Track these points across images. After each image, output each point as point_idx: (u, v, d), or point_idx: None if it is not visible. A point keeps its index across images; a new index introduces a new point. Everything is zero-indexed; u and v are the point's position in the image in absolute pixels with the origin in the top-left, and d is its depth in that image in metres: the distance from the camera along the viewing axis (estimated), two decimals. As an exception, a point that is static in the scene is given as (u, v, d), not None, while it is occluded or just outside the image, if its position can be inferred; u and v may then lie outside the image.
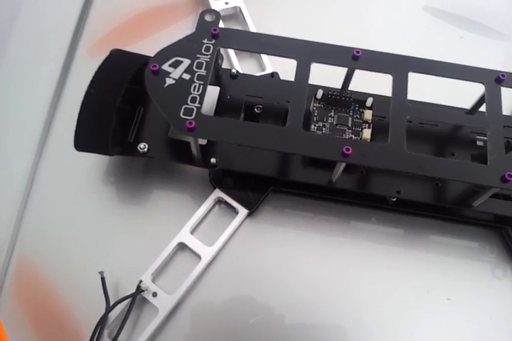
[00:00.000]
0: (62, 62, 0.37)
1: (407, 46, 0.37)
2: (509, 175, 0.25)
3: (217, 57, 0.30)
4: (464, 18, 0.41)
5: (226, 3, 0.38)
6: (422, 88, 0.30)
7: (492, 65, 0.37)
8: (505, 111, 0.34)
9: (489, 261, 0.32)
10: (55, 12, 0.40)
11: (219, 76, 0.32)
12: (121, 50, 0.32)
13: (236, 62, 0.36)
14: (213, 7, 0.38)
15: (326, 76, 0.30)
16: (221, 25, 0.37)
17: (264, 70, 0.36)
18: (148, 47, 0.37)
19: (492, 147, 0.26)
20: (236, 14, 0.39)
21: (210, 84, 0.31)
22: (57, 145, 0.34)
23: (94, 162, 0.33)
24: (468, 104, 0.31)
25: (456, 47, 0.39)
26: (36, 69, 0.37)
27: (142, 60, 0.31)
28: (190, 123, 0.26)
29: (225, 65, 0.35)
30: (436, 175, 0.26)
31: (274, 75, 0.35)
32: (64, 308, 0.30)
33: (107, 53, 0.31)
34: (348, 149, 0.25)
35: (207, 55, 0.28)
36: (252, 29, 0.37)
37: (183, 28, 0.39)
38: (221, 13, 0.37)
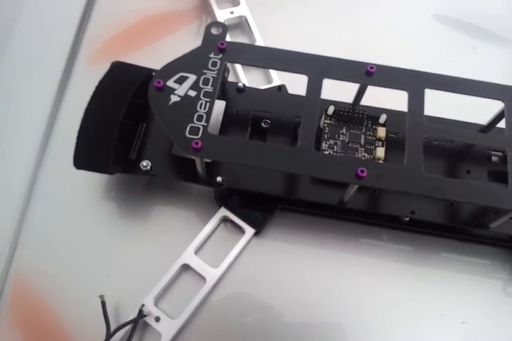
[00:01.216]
0: (61, 72, 0.36)
1: (417, 58, 0.37)
2: (531, 199, 0.24)
3: (224, 71, 0.29)
4: (476, 26, 0.40)
5: (231, 13, 0.37)
6: (432, 102, 0.29)
7: (508, 77, 0.37)
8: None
9: (502, 278, 0.31)
10: (55, 18, 0.38)
11: (225, 90, 0.31)
12: (122, 63, 0.31)
13: (242, 74, 0.35)
14: (218, 16, 0.37)
15: (335, 88, 0.29)
16: (227, 35, 0.36)
17: (271, 83, 0.34)
18: (150, 55, 0.37)
19: (513, 169, 0.25)
20: (242, 24, 0.37)
21: (216, 99, 0.30)
22: (55, 159, 0.33)
23: (94, 178, 0.32)
24: (480, 119, 0.30)
25: (469, 57, 0.38)
26: (34, 79, 0.36)
27: (145, 73, 0.30)
28: (197, 143, 0.24)
29: (231, 77, 0.33)
30: (456, 199, 0.25)
31: (281, 88, 0.33)
32: (63, 332, 0.29)
33: (107, 62, 0.30)
34: (362, 171, 0.24)
35: (214, 70, 0.27)
36: (258, 39, 0.36)
37: (186, 36, 0.38)
38: (226, 23, 0.36)
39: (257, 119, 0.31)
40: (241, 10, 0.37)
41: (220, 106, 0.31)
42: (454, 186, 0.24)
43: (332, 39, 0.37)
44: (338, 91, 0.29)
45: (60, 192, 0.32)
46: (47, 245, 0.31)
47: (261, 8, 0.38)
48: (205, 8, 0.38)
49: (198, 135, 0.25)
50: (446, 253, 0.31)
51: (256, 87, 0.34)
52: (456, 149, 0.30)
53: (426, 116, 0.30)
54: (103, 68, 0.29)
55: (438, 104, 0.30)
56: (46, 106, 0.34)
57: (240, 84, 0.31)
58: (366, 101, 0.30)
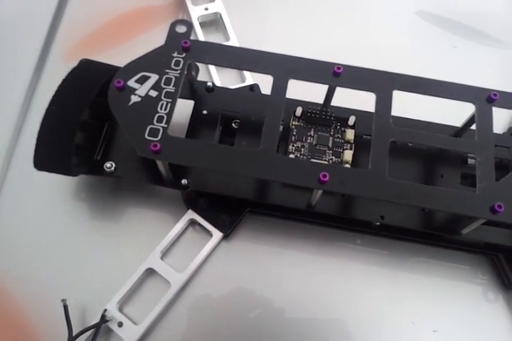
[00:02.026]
0: (32, 70, 0.35)
1: (397, 55, 0.36)
2: (499, 206, 0.23)
3: (191, 70, 0.28)
4: (459, 23, 0.39)
5: (206, 9, 0.36)
6: (410, 102, 0.28)
7: (489, 75, 0.36)
8: (500, 129, 0.33)
9: (477, 284, 0.30)
10: (28, 15, 0.38)
11: (194, 89, 0.30)
12: (90, 61, 0.30)
13: (215, 72, 0.34)
14: (192, 13, 0.36)
15: (307, 88, 0.28)
16: (200, 32, 0.35)
17: (244, 81, 0.34)
18: (125, 53, 0.35)
19: (482, 174, 0.24)
20: (216, 20, 0.37)
21: (185, 98, 0.30)
22: (25, 160, 0.32)
23: (64, 178, 0.31)
24: (460, 121, 0.29)
25: (450, 55, 0.37)
26: (4, 77, 0.35)
27: (112, 72, 0.29)
28: (155, 145, 0.24)
29: (203, 76, 0.33)
30: (420, 205, 0.24)
31: (253, 87, 0.33)
32: (30, 334, 0.28)
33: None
34: (324, 175, 0.23)
35: (176, 69, 0.26)
36: (232, 36, 0.35)
37: (163, 33, 0.37)
38: (201, 19, 0.36)
39: (228, 119, 0.30)
40: (216, 6, 0.36)
41: (188, 105, 0.30)
42: (419, 192, 0.24)
43: (308, 38, 0.37)
44: (311, 90, 0.28)
45: (29, 191, 0.32)
46: (15, 246, 0.30)
47: (236, 5, 0.37)
48: (181, 4, 0.38)
49: (157, 137, 0.24)
50: (421, 258, 0.31)
51: (229, 85, 0.33)
52: (431, 152, 0.30)
53: (399, 117, 0.30)
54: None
55: (416, 105, 0.30)
56: (16, 105, 0.34)
57: (209, 84, 0.30)
58: (339, 100, 0.29)
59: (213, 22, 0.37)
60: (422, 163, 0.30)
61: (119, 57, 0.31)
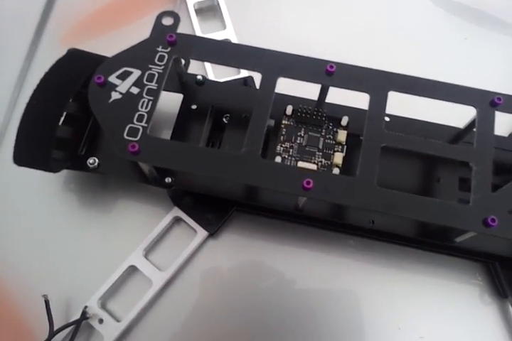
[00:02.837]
0: (23, 59, 0.34)
1: (404, 49, 0.34)
2: (492, 220, 0.22)
3: (179, 62, 0.27)
4: (476, 10, 0.37)
5: (203, -5, 0.34)
6: (410, 99, 0.26)
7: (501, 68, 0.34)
8: (506, 131, 0.31)
9: (473, 290, 0.30)
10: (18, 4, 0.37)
11: (183, 82, 0.29)
12: (78, 50, 0.29)
13: (208, 64, 0.32)
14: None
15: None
16: (196, 19, 0.34)
17: (239, 73, 0.32)
18: (120, 39, 0.35)
19: (477, 184, 0.23)
20: (214, 7, 0.35)
21: (174, 91, 0.29)
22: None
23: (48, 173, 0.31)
24: (465, 120, 0.27)
25: (461, 47, 0.35)
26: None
27: (100, 62, 0.28)
28: (134, 146, 0.23)
29: (196, 66, 0.32)
30: (409, 216, 0.23)
31: (247, 80, 0.31)
32: (14, 327, 0.29)
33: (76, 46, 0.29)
34: (308, 182, 0.22)
35: (160, 65, 0.25)
36: (228, 24, 0.34)
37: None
38: (197, 6, 0.34)
39: (218, 113, 0.29)
40: (214, -8, 0.35)
41: (177, 99, 0.29)
42: (409, 202, 0.23)
43: (308, 28, 0.35)
44: (306, 83, 0.27)
45: (17, 184, 0.31)
46: (2, 237, 0.30)
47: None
48: (179, -11, 0.36)
49: (136, 137, 0.23)
50: (412, 262, 0.30)
51: (224, 77, 0.32)
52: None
53: (397, 116, 0.29)
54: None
55: (417, 102, 0.28)
56: (5, 96, 0.33)
57: (199, 77, 0.29)
58: (335, 95, 0.27)
59: (210, 8, 0.35)
60: (418, 164, 0.28)
61: (113, 44, 0.31)
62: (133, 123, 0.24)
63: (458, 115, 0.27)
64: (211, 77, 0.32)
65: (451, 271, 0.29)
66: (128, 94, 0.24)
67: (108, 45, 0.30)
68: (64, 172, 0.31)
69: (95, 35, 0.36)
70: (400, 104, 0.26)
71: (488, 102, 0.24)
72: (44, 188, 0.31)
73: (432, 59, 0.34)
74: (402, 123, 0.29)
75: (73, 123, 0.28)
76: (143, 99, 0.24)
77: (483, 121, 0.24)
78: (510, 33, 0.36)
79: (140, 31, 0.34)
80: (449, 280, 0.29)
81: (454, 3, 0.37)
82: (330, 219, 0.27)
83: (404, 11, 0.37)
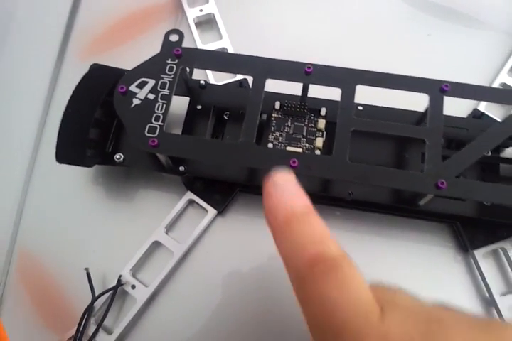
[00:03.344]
0: (51, 70, 0.40)
1: (374, 47, 0.40)
2: (441, 183, 0.27)
3: (185, 71, 0.33)
4: (440, 6, 0.42)
5: (201, 11, 0.40)
6: (383, 91, 0.32)
7: (474, 58, 0.39)
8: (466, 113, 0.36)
9: (445, 246, 0.35)
10: (45, 18, 0.43)
11: (189, 87, 0.34)
12: (100, 65, 0.35)
13: (208, 70, 0.38)
14: (188, 14, 0.40)
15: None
16: (196, 32, 0.40)
17: (235, 77, 0.38)
18: (132, 51, 0.41)
19: (429, 156, 0.28)
20: (211, 20, 0.41)
21: (182, 95, 0.34)
22: (51, 151, 0.38)
23: (83, 168, 0.37)
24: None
25: (425, 44, 0.41)
26: (26, 77, 0.40)
27: (119, 74, 0.33)
28: (153, 141, 0.29)
29: (198, 74, 0.37)
30: (376, 184, 0.28)
31: (242, 82, 0.37)
32: (61, 295, 0.34)
33: (95, 58, 0.35)
34: (294, 162, 0.28)
35: (170, 74, 0.31)
36: (224, 35, 0.39)
37: (162, 32, 0.42)
38: (197, 20, 0.40)
39: (220, 112, 0.35)
40: (210, 7, 0.40)
41: (185, 101, 0.35)
42: (375, 172, 0.28)
43: (289, 34, 0.40)
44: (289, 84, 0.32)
45: (56, 178, 0.37)
46: (45, 223, 0.36)
47: (229, 6, 0.41)
48: (178, 6, 0.42)
49: (155, 134, 0.29)
50: (393, 227, 0.35)
51: (223, 80, 0.38)
52: (395, 136, 0.33)
53: (370, 105, 0.34)
54: (90, 64, 0.34)
55: (388, 93, 0.33)
56: (39, 103, 0.39)
57: (201, 82, 0.35)
58: (317, 90, 0.33)
59: (208, 21, 0.41)
60: (388, 145, 0.34)
61: (127, 55, 0.37)
62: (151, 122, 0.29)
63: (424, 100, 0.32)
64: (212, 81, 0.38)
65: (422, 234, 0.35)
66: (146, 99, 0.30)
67: (121, 56, 0.36)
68: (92, 169, 0.37)
69: (109, 48, 0.42)
70: (373, 95, 0.32)
71: (437, 89, 0.30)
72: (79, 182, 0.37)
73: (398, 54, 0.39)
74: (373, 110, 0.34)
75: (101, 126, 0.33)
76: (158, 103, 0.30)
77: (434, 105, 0.30)
78: (471, 25, 0.41)
79: (147, 42, 0.41)
80: (421, 242, 0.34)
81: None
82: (318, 193, 0.33)
83: (373, 9, 0.42)
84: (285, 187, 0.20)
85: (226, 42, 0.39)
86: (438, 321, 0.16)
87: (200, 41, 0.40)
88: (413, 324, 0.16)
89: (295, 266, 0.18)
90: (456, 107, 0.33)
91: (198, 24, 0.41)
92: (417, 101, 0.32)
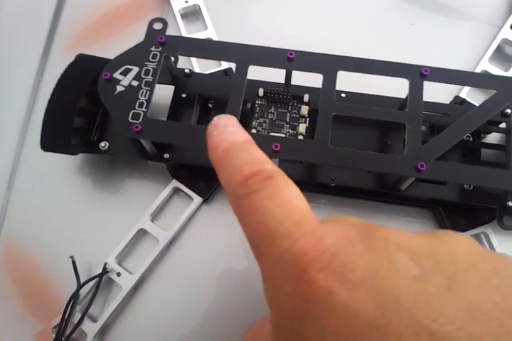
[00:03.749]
0: (37, 63, 0.40)
1: (357, 36, 0.40)
2: (421, 165, 0.28)
3: (170, 60, 0.33)
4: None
5: (186, 2, 0.40)
6: (365, 78, 0.32)
7: (457, 47, 0.40)
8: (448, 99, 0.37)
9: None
10: (30, 11, 0.43)
11: (173, 76, 0.35)
12: (85, 55, 0.35)
13: (194, 59, 0.38)
14: (174, 5, 0.41)
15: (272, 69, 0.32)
16: (181, 23, 0.40)
17: (220, 66, 0.38)
18: (117, 43, 0.41)
19: (409, 140, 0.29)
20: (196, 11, 0.41)
21: (166, 84, 0.35)
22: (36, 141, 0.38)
23: (70, 156, 0.36)
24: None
25: (408, 33, 0.41)
26: (12, 69, 0.40)
27: (104, 64, 0.33)
28: (137, 126, 0.29)
29: (183, 63, 0.38)
30: (357, 167, 0.29)
31: (227, 71, 0.37)
32: (47, 283, 0.34)
33: (81, 50, 0.35)
34: (276, 146, 0.28)
35: (154, 62, 0.31)
36: (209, 26, 0.40)
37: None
38: (182, 11, 0.40)
39: (205, 100, 0.35)
40: (195, -1, 0.41)
41: (169, 90, 0.35)
42: (356, 156, 0.28)
43: (273, 23, 0.41)
44: (275, 70, 0.33)
45: (42, 167, 0.37)
46: (31, 212, 0.36)
47: (213, -4, 0.41)
48: (165, -2, 0.42)
49: (139, 120, 0.29)
50: (377, 214, 0.35)
51: (208, 69, 0.38)
52: (378, 122, 0.34)
53: (353, 92, 0.35)
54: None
55: (371, 80, 0.34)
56: (25, 94, 0.39)
57: (186, 70, 0.35)
58: (298, 78, 0.33)
59: (193, 13, 0.41)
60: (370, 131, 0.34)
61: (113, 47, 0.37)
62: (135, 109, 0.30)
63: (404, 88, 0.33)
64: (197, 70, 0.38)
65: (406, 219, 0.35)
66: (130, 86, 0.30)
67: (107, 48, 0.36)
68: (78, 158, 0.37)
69: (96, 41, 0.42)
70: (356, 82, 0.32)
71: (417, 74, 0.30)
72: (64, 171, 0.37)
73: (382, 43, 0.40)
74: (356, 97, 0.35)
75: (86, 114, 0.34)
76: (142, 90, 0.30)
77: (414, 90, 0.30)
78: (454, 16, 0.42)
79: (134, 35, 0.40)
80: (405, 228, 0.35)
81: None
82: (300, 179, 0.33)
83: (358, 1, 0.42)
84: (226, 126, 0.20)
85: (211, 32, 0.40)
86: (379, 228, 0.16)
87: (185, 32, 0.40)
88: (352, 229, 0.16)
89: (232, 186, 0.18)
90: (438, 95, 0.34)
91: (183, 15, 0.41)
92: (399, 89, 0.33)
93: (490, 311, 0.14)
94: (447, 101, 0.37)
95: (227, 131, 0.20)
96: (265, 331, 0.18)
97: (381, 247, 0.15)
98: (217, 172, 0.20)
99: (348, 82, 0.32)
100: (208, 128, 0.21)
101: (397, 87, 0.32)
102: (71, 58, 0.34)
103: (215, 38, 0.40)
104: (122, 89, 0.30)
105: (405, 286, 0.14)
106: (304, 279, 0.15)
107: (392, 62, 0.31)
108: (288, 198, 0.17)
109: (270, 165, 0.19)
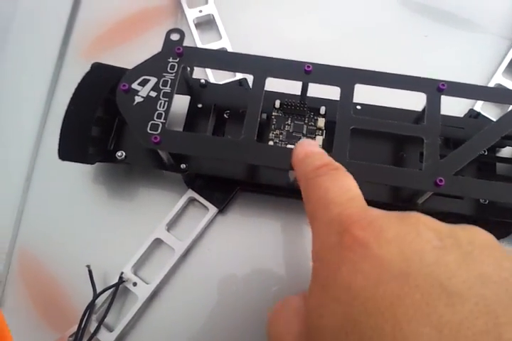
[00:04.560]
0: (52, 70, 0.40)
1: (372, 48, 0.40)
2: (440, 180, 0.28)
3: (186, 70, 0.33)
4: (437, 9, 0.43)
5: (200, 12, 0.41)
6: (381, 91, 0.32)
7: (470, 60, 0.40)
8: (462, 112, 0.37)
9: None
10: (45, 17, 0.43)
11: (189, 86, 0.35)
12: (101, 64, 0.35)
13: (209, 69, 0.39)
14: (188, 14, 0.41)
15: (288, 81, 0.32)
16: (195, 32, 0.40)
17: (235, 76, 0.38)
18: (132, 51, 0.41)
19: (428, 154, 0.29)
20: (210, 21, 0.41)
21: (182, 94, 0.35)
22: (51, 150, 0.38)
23: (85, 166, 0.36)
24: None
25: (426, 41, 0.41)
26: (28, 76, 0.40)
27: (120, 73, 0.33)
28: (156, 138, 0.29)
29: (200, 72, 0.38)
30: (375, 181, 0.29)
31: (242, 82, 0.37)
32: (62, 293, 0.34)
33: (95, 58, 0.35)
34: (294, 159, 0.28)
35: (172, 73, 0.31)
36: (224, 35, 0.40)
37: (162, 32, 0.42)
38: (196, 21, 0.40)
39: (220, 111, 0.35)
40: (209, 8, 0.41)
41: (186, 100, 0.35)
42: (374, 170, 0.29)
43: (288, 33, 0.41)
44: (291, 82, 0.33)
45: (57, 176, 0.37)
46: (46, 222, 0.36)
47: (228, 7, 0.41)
48: (178, 7, 0.42)
49: (157, 131, 0.29)
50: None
51: (223, 79, 0.38)
52: (394, 135, 0.34)
53: (368, 105, 0.35)
54: (90, 64, 0.34)
55: (387, 93, 0.34)
56: (40, 102, 0.39)
57: (202, 81, 0.35)
58: (317, 89, 0.33)
59: (208, 22, 0.41)
60: (386, 144, 0.34)
61: (126, 54, 0.38)
62: (154, 120, 0.30)
63: (421, 100, 0.33)
64: (212, 80, 0.38)
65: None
66: (148, 97, 0.30)
67: (121, 56, 0.36)
68: (93, 167, 0.37)
69: (109, 48, 0.42)
70: (370, 95, 0.33)
71: (435, 88, 0.30)
72: (80, 181, 0.37)
73: (395, 55, 0.40)
74: (372, 110, 0.35)
75: (102, 124, 0.34)
76: (160, 101, 0.30)
77: (432, 104, 0.30)
78: (467, 28, 0.42)
79: (147, 43, 0.41)
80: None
81: (415, 2, 0.43)
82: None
83: (372, 12, 0.42)
84: (309, 145, 0.25)
85: (226, 42, 0.40)
86: (412, 213, 0.19)
87: (200, 42, 0.40)
88: (390, 212, 0.20)
89: (305, 174, 0.23)
90: (452, 108, 0.34)
91: (197, 25, 0.41)
92: (414, 102, 0.33)
93: (498, 282, 0.16)
94: (461, 114, 0.37)
95: (309, 147, 0.25)
96: (296, 306, 0.20)
97: (412, 222, 0.18)
98: (295, 170, 0.25)
99: (362, 94, 0.31)
100: (295, 145, 0.26)
101: (409, 99, 0.33)
102: (86, 64, 0.34)
103: (229, 48, 0.40)
104: (141, 99, 0.30)
105: (428, 250, 0.17)
106: (347, 234, 0.18)
107: (409, 76, 0.31)
108: (346, 183, 0.22)
109: (337, 163, 0.23)
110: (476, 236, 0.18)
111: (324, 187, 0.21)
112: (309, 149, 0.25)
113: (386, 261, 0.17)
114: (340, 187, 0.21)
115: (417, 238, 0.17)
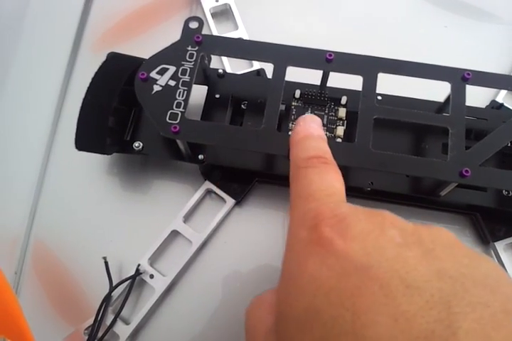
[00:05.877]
0: (66, 62, 0.40)
1: (391, 38, 0.40)
2: (466, 171, 0.27)
3: (204, 60, 0.33)
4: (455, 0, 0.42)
5: (216, 1, 0.40)
6: (403, 81, 0.31)
7: (490, 50, 0.39)
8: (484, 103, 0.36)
9: (464, 240, 0.34)
10: (58, 11, 0.42)
11: (207, 76, 0.34)
12: (117, 54, 0.34)
13: (226, 59, 0.38)
14: (204, 4, 0.40)
15: (307, 71, 0.31)
16: (212, 22, 0.39)
17: (252, 66, 0.38)
18: (146, 42, 0.41)
19: (453, 144, 0.28)
20: (226, 11, 0.41)
21: (200, 84, 0.34)
22: (66, 141, 0.37)
23: (100, 156, 0.35)
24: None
25: (445, 32, 0.41)
26: (42, 69, 0.40)
27: (137, 63, 0.33)
28: (175, 127, 0.28)
29: (216, 62, 0.37)
30: (399, 172, 0.28)
31: (260, 72, 0.37)
32: (76, 286, 0.34)
33: (109, 49, 0.34)
34: (316, 149, 0.28)
35: (191, 61, 0.30)
36: (240, 25, 0.39)
37: (179, 22, 0.41)
38: (212, 10, 0.40)
39: (237, 101, 0.35)
40: (225, -2, 0.40)
41: (203, 90, 0.35)
42: (398, 160, 0.28)
43: (306, 23, 0.40)
44: (311, 72, 0.32)
45: (71, 168, 0.37)
46: (60, 214, 0.36)
47: (244, -5, 0.41)
48: (195, -4, 0.42)
49: (176, 120, 0.29)
50: (411, 219, 0.35)
51: (239, 70, 0.38)
52: (416, 125, 0.33)
53: (386, 95, 0.34)
54: (104, 55, 0.34)
55: (408, 83, 0.33)
56: (55, 93, 0.39)
57: (220, 71, 0.34)
58: (336, 80, 0.32)
59: (224, 12, 0.41)
60: (409, 135, 0.34)
61: (141, 45, 0.37)
62: (173, 109, 0.29)
63: (441, 91, 0.32)
64: (228, 70, 0.37)
65: (441, 225, 0.34)
66: (167, 86, 0.30)
67: (136, 47, 0.36)
68: (108, 158, 0.37)
69: (124, 39, 0.42)
70: (392, 85, 0.32)
71: (459, 77, 0.30)
72: (95, 172, 0.36)
73: (416, 45, 0.40)
74: (393, 100, 0.34)
75: (119, 114, 0.33)
76: (179, 90, 0.30)
77: (456, 93, 0.29)
78: (485, 19, 0.41)
79: (162, 33, 0.41)
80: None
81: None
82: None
83: (391, 4, 0.42)
84: (312, 121, 0.26)
85: (242, 32, 0.39)
86: (380, 210, 0.20)
87: (216, 31, 0.40)
88: (361, 208, 0.20)
89: (297, 160, 0.24)
90: (474, 99, 0.33)
91: (213, 14, 0.40)
92: (431, 92, 0.32)
93: (455, 276, 0.16)
94: (482, 105, 0.36)
95: (310, 125, 0.25)
96: (270, 300, 0.21)
97: (378, 220, 0.19)
98: (290, 150, 0.25)
99: (382, 84, 0.31)
100: (298, 119, 0.26)
101: (428, 90, 0.32)
102: (100, 55, 0.34)
103: (246, 38, 0.39)
104: (159, 88, 0.30)
105: (390, 246, 0.18)
106: (316, 229, 0.19)
107: (433, 65, 0.30)
108: (331, 179, 0.22)
109: (330, 156, 0.24)
110: (439, 235, 0.19)
111: (309, 179, 0.22)
112: (310, 131, 0.25)
113: (349, 256, 0.18)
114: (324, 182, 0.22)
115: (381, 235, 0.18)
